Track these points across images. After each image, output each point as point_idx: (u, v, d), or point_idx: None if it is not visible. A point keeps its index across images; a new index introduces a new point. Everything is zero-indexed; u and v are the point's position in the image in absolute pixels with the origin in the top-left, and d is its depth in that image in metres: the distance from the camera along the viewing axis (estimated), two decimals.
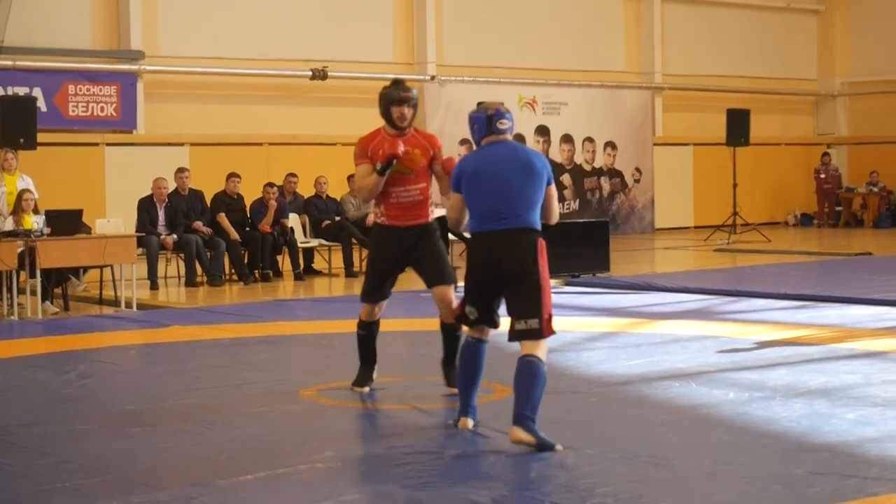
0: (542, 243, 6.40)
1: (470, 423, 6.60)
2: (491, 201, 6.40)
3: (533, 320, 6.25)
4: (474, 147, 6.70)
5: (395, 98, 7.45)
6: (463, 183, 6.51)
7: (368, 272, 7.76)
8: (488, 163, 6.49)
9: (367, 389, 7.76)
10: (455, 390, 7.14)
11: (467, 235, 6.71)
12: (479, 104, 6.71)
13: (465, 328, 6.74)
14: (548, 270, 6.39)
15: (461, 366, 6.65)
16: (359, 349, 7.86)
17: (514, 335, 6.31)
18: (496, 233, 6.38)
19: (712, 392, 7.56)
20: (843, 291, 12.83)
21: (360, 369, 7.85)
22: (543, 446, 6.01)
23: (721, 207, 23.26)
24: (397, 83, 7.55)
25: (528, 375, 6.17)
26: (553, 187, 6.59)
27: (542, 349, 6.25)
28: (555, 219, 6.64)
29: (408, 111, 7.47)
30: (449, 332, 7.56)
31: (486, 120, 6.56)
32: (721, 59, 26.67)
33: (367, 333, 7.80)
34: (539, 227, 6.46)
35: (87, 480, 5.64)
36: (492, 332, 6.60)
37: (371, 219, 7.66)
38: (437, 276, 7.48)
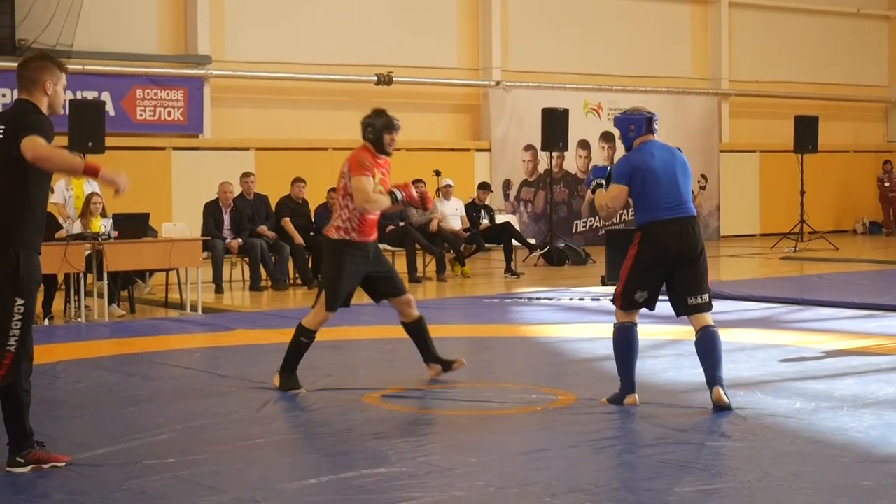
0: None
1: (637, 398, 7.27)
2: (668, 192, 7.08)
3: (704, 295, 7.22)
4: (625, 146, 7.32)
5: (390, 125, 8.16)
6: (636, 178, 7.09)
7: (339, 283, 8.02)
8: (657, 159, 7.13)
9: (304, 390, 7.96)
10: (438, 367, 8.19)
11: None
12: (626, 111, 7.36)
13: (617, 316, 7.34)
14: None
15: (621, 348, 7.27)
16: (295, 356, 8.04)
17: (688, 310, 7.21)
18: (679, 220, 7.10)
19: (778, 401, 7.48)
20: None
21: (290, 375, 8.01)
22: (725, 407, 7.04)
23: (788, 215, 23.05)
24: (381, 112, 8.25)
25: (714, 343, 7.14)
26: None
27: (711, 318, 7.23)
28: None
29: (396, 137, 8.27)
30: (418, 329, 8.24)
31: (645, 121, 7.20)
32: (789, 65, 26.40)
33: (310, 342, 8.11)
34: None
35: (152, 482, 5.68)
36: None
37: (335, 233, 7.83)
38: (399, 284, 8.24)
